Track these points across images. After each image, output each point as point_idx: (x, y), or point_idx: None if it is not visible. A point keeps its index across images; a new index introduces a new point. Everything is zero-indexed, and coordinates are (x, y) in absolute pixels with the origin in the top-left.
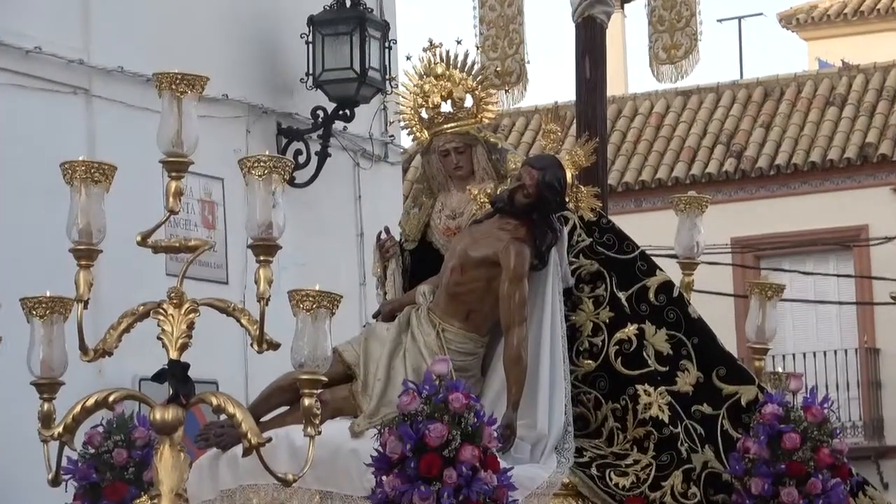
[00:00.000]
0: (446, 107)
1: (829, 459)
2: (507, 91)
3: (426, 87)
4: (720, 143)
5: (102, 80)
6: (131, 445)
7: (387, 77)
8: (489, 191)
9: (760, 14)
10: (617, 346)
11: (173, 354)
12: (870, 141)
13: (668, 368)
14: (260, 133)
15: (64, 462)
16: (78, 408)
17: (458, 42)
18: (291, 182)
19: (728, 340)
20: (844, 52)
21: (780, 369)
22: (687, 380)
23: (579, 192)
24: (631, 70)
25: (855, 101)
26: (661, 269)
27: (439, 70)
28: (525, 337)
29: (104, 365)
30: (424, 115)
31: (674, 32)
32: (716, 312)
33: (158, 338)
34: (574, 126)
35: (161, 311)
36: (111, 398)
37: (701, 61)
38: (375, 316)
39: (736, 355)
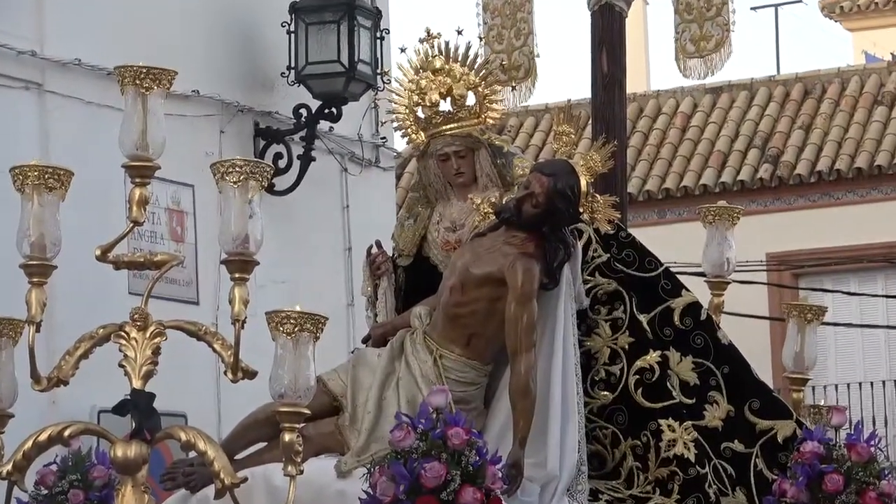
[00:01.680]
0: (445, 105)
1: None
2: (513, 87)
3: (423, 82)
4: (754, 147)
5: (58, 73)
6: (89, 486)
7: (378, 71)
8: (493, 200)
9: (800, 1)
10: (637, 376)
11: (137, 383)
12: None
13: (694, 401)
14: (235, 134)
15: None
16: (29, 443)
17: (459, 32)
18: (270, 189)
19: (762, 369)
20: (894, 45)
21: (821, 402)
22: (716, 414)
23: (595, 202)
24: (654, 64)
25: None
26: (687, 289)
27: (438, 64)
28: (534, 365)
29: (59, 395)
30: (421, 114)
31: (703, 22)
32: (749, 338)
33: (120, 364)
34: (589, 127)
35: (123, 334)
36: (67, 432)
37: (733, 54)
38: (365, 341)
39: (772, 386)
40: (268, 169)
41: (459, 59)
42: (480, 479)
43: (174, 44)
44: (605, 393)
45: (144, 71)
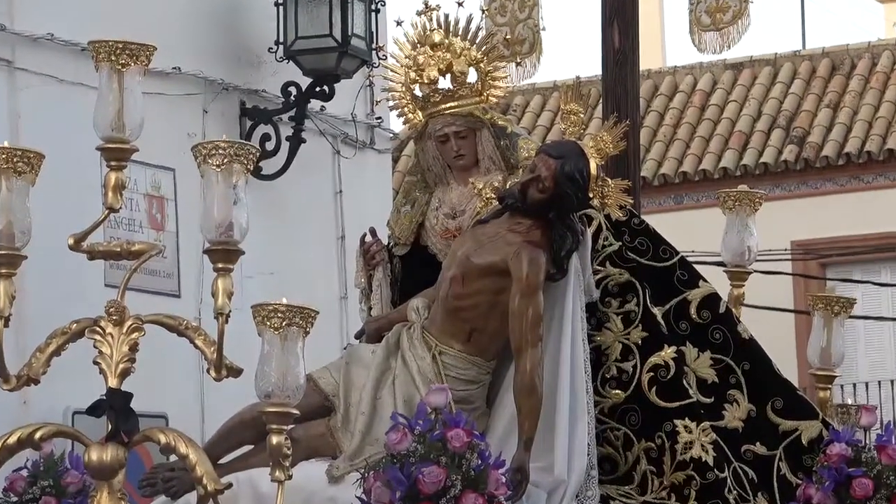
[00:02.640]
0: (445, 82)
1: None
2: (518, 63)
3: (421, 58)
4: (778, 128)
5: (28, 49)
6: (62, 492)
7: (373, 46)
8: (496, 184)
9: None
10: (651, 373)
11: (113, 382)
12: None
13: (713, 400)
14: (219, 114)
15: None
16: None
17: (460, 4)
18: (257, 173)
19: (786, 366)
20: None
21: (849, 401)
22: (736, 414)
23: (606, 186)
24: (669, 38)
25: None
26: (704, 280)
27: (437, 38)
28: (540, 362)
29: (30, 395)
30: (419, 92)
31: None
32: (772, 332)
33: (95, 362)
34: (600, 106)
35: (98, 329)
36: (38, 435)
37: (755, 27)
38: (359, 336)
39: (796, 384)
40: (254, 151)
41: (460, 32)
42: (483, 485)
43: (153, 17)
44: (617, 392)
45: (121, 46)
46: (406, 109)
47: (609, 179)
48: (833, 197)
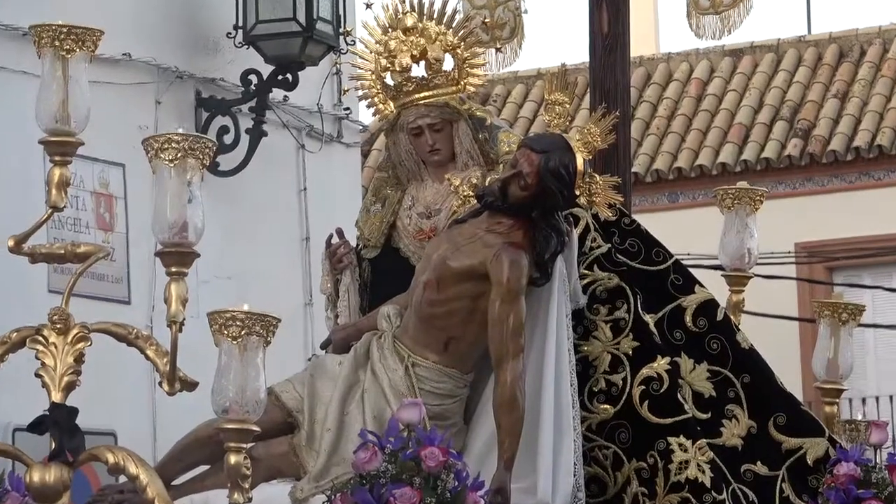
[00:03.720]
0: (418, 70)
1: None
2: (498, 49)
3: (392, 44)
4: (781, 119)
5: None
6: None
7: (341, 31)
8: (475, 181)
9: None
10: (643, 386)
11: (57, 396)
12: None
13: (710, 415)
14: (173, 104)
15: None
16: None
17: None
18: (214, 169)
19: (790, 378)
20: None
21: (858, 416)
22: (735, 430)
23: (594, 183)
24: (663, 22)
25: None
26: (701, 285)
27: (409, 22)
28: (522, 374)
29: None
30: (390, 81)
31: None
32: (774, 341)
33: (37, 374)
34: (587, 96)
35: (41, 339)
36: None
37: (756, 11)
38: (324, 346)
39: (801, 398)
40: (211, 145)
41: (435, 15)
42: None
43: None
44: (606, 406)
45: (65, 31)
46: (376, 99)
47: (597, 175)
48: (841, 195)
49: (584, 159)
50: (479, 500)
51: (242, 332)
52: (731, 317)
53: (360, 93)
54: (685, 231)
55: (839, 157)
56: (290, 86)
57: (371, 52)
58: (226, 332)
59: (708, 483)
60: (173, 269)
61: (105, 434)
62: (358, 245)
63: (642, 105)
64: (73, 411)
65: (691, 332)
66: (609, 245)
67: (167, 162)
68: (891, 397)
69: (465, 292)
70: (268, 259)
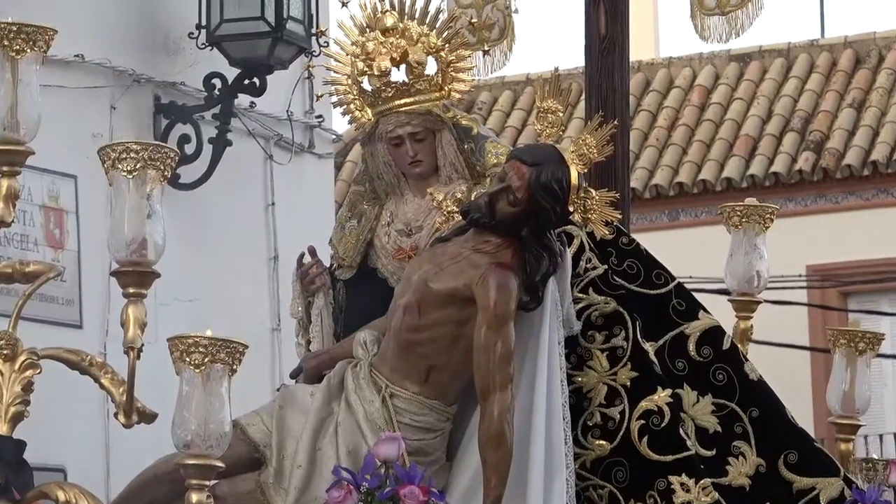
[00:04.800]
0: (399, 74)
1: None
2: (486, 52)
3: (370, 45)
4: (792, 131)
5: None
6: None
7: (313, 31)
8: (460, 195)
9: None
10: (642, 421)
11: (3, 428)
12: None
13: (715, 452)
14: (130, 111)
15: None
16: None
17: None
18: (175, 181)
19: (802, 412)
20: None
21: (875, 454)
22: (742, 469)
23: (589, 199)
24: (664, 24)
25: None
26: (705, 311)
27: (389, 22)
28: (510, 406)
29: None
30: (367, 86)
31: None
32: (785, 372)
33: None
34: (582, 103)
35: None
36: None
37: (766, 12)
38: (295, 375)
39: (813, 434)
40: (172, 155)
41: (417, 15)
42: None
43: None
44: (602, 442)
45: (14, 29)
46: (352, 106)
47: (593, 190)
48: (856, 213)
49: (578, 173)
50: None
51: (205, 360)
52: (739, 345)
53: (335, 99)
54: (687, 252)
55: (855, 172)
56: (258, 91)
57: (347, 55)
58: (187, 359)
59: None
60: (131, 291)
61: (55, 470)
62: (331, 265)
63: (640, 114)
64: (21, 445)
65: (695, 362)
66: (605, 266)
67: (125, 173)
68: None
69: (448, 317)
70: (233, 280)
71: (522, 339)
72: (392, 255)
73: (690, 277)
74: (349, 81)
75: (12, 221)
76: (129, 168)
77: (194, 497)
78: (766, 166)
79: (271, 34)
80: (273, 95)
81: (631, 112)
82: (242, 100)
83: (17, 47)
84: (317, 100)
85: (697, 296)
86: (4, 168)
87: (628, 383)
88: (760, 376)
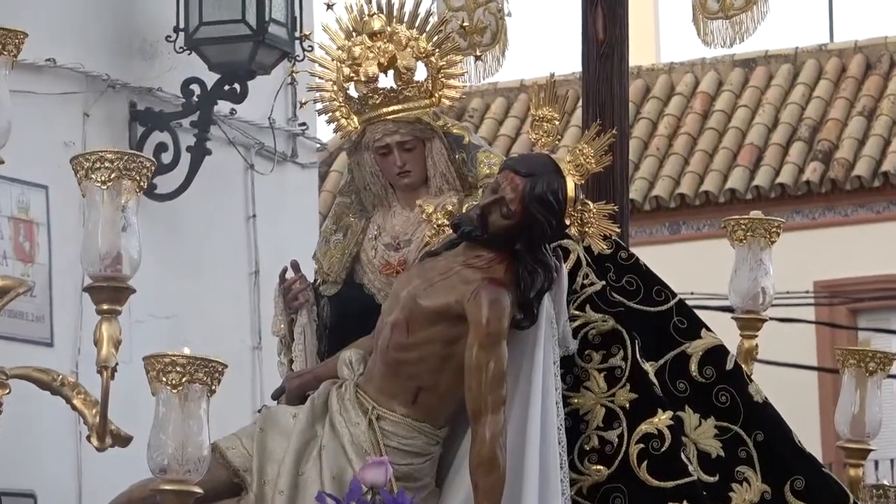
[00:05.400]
0: (387, 80)
1: None
2: (477, 57)
3: (357, 50)
4: (799, 140)
5: None
6: None
7: (297, 35)
8: (450, 207)
9: None
10: (642, 445)
11: None
12: None
13: (717, 478)
14: (104, 118)
15: None
16: None
17: None
18: (151, 192)
19: (809, 436)
20: None
21: (885, 481)
22: (747, 496)
23: (586, 211)
24: (664, 28)
25: None
26: (708, 329)
27: (376, 25)
28: (503, 429)
29: None
30: (354, 92)
31: None
32: (791, 394)
33: None
34: (579, 111)
35: None
36: None
37: (771, 14)
38: (277, 396)
39: (821, 459)
40: (148, 165)
41: (405, 18)
42: None
43: None
44: (599, 467)
45: None
46: (338, 114)
47: (590, 203)
48: (867, 227)
49: (575, 184)
50: None
51: (183, 380)
52: (743, 366)
53: (319, 106)
54: (689, 267)
55: (865, 184)
56: (238, 97)
57: (332, 60)
58: (164, 379)
59: None
60: (104, 307)
61: (24, 495)
62: (316, 280)
63: (640, 122)
64: None
65: (697, 383)
66: (603, 282)
67: (99, 183)
68: None
69: (438, 335)
70: (212, 296)
71: (516, 359)
72: (379, 271)
73: (692, 294)
74: (334, 88)
75: None
76: (103, 178)
77: None
78: (772, 177)
79: (253, 38)
80: (254, 102)
81: (630, 120)
82: (222, 106)
83: None
84: (300, 107)
85: (700, 313)
86: None
87: (627, 405)
88: (766, 398)
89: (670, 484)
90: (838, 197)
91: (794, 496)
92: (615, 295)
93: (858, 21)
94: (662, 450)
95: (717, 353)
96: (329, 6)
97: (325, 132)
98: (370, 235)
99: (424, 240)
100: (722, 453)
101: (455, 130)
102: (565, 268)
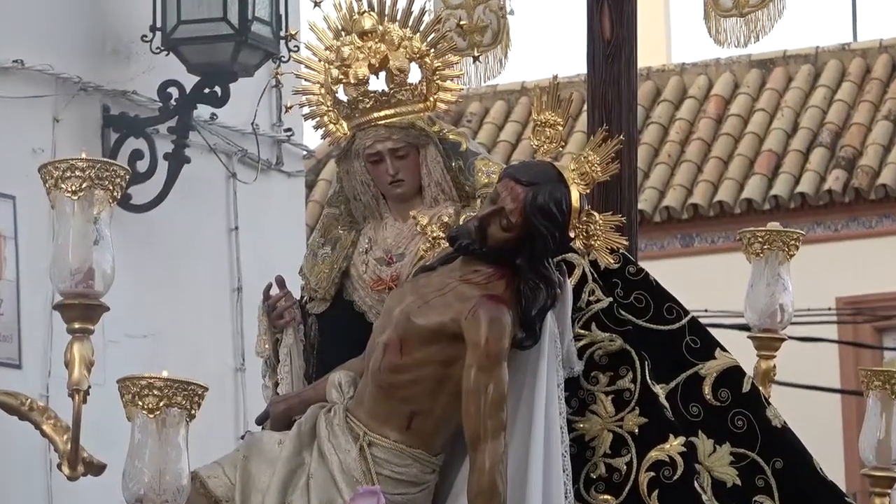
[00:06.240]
0: (378, 83)
1: None
2: (476, 58)
3: (346, 50)
4: (820, 146)
5: None
6: None
7: (282, 34)
8: (446, 219)
9: None
10: (652, 473)
11: None
12: None
13: None
14: (75, 123)
15: None
16: None
17: None
18: (125, 203)
19: (832, 463)
20: None
21: None
22: None
23: (592, 223)
24: (676, 27)
25: None
26: (723, 349)
27: (367, 24)
28: (503, 457)
29: None
30: (343, 95)
31: None
32: (813, 418)
33: None
34: (584, 115)
35: None
36: None
37: (789, 12)
38: (261, 421)
39: (844, 488)
40: (122, 173)
41: (398, 16)
42: None
43: None
44: (607, 497)
45: None
46: (326, 118)
47: (596, 214)
48: (892, 239)
49: (580, 193)
50: None
51: (161, 404)
52: (760, 388)
53: (306, 110)
54: (702, 282)
55: (891, 193)
56: (219, 101)
57: (320, 61)
58: (140, 403)
59: None
60: (76, 326)
61: None
62: (303, 297)
63: (650, 127)
64: None
65: (711, 407)
66: (610, 299)
67: (69, 194)
68: None
69: (433, 356)
70: (191, 314)
71: (517, 382)
72: (370, 287)
73: (706, 311)
74: (322, 91)
75: None
76: (73, 188)
77: None
78: (792, 186)
79: (235, 37)
80: (236, 106)
81: (639, 125)
82: (202, 111)
83: None
84: (286, 111)
85: (714, 332)
86: None
87: (636, 430)
88: (785, 423)
89: None
90: (862, 207)
91: None
92: (623, 312)
93: (884, 19)
94: (674, 478)
95: (732, 375)
96: (316, 3)
97: (312, 138)
98: (361, 249)
99: (419, 254)
100: (738, 482)
101: (451, 136)
102: (569, 283)
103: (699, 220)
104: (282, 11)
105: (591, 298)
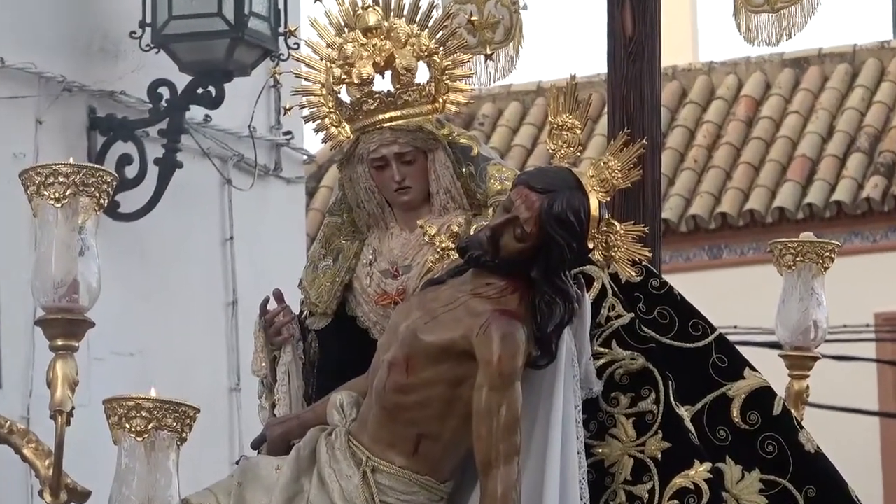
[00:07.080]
0: (384, 83)
1: None
2: (488, 56)
3: (349, 48)
4: (857, 151)
5: None
6: None
7: (281, 31)
8: (456, 229)
9: None
10: (676, 501)
11: None
12: None
13: None
14: (59, 125)
15: None
16: None
17: None
18: (113, 211)
19: (869, 490)
20: None
21: None
22: None
23: (613, 233)
24: (702, 24)
25: None
26: (752, 368)
27: (372, 20)
28: (517, 483)
29: None
30: (346, 96)
31: None
32: (849, 441)
33: None
34: (604, 118)
35: None
36: None
37: (824, 8)
38: (257, 445)
39: None
40: (109, 179)
41: (405, 12)
42: None
43: None
44: None
45: None
46: (328, 121)
47: (617, 223)
48: None
49: (599, 202)
50: None
51: (149, 427)
52: (792, 410)
53: (306, 112)
54: (731, 296)
55: None
56: (214, 102)
57: (321, 59)
58: (127, 425)
59: None
60: (59, 343)
61: None
62: (302, 312)
63: (675, 130)
64: None
65: (739, 431)
66: (632, 315)
67: (52, 201)
68: None
69: (442, 375)
70: (182, 330)
71: (532, 403)
72: (375, 301)
73: (735, 328)
74: (324, 91)
75: None
76: (57, 195)
77: None
78: (827, 194)
79: (230, 34)
80: (232, 108)
81: (663, 128)
82: (195, 112)
83: None
84: (285, 113)
85: (743, 350)
86: None
87: (659, 456)
88: (818, 447)
89: None
90: None
91: None
92: (645, 329)
93: None
94: None
95: (762, 396)
96: None
97: (312, 142)
98: (364, 261)
99: (426, 266)
100: None
101: (462, 140)
102: (588, 298)
103: (727, 230)
104: (280, 6)
105: (612, 314)
